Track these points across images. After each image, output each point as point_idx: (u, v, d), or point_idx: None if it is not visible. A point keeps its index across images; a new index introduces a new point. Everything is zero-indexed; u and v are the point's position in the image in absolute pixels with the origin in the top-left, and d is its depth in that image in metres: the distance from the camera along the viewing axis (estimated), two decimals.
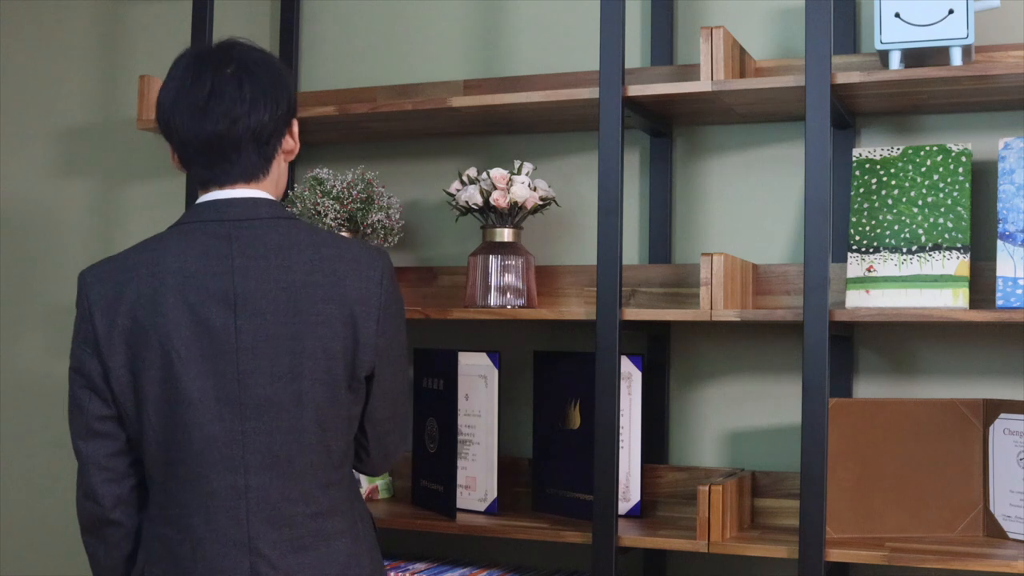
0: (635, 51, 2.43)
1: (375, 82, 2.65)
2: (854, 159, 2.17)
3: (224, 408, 1.58)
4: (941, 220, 2.07)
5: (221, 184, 1.67)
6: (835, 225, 2.23)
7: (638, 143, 2.41)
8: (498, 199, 2.25)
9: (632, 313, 2.10)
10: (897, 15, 2.02)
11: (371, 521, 1.74)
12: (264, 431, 1.59)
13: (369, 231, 2.42)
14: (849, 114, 2.20)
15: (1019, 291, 1.97)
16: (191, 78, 1.65)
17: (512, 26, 2.54)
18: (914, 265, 2.07)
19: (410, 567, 2.27)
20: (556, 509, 2.29)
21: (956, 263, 2.04)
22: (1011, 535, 2.02)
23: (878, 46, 2.03)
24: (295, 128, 1.73)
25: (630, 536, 2.08)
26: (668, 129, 2.36)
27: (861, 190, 2.15)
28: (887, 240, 2.10)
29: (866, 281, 2.10)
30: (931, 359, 2.20)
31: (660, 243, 2.35)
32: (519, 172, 2.29)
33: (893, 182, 2.13)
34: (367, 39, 2.66)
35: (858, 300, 2.09)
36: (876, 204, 2.13)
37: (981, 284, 2.12)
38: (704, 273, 2.04)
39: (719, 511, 2.03)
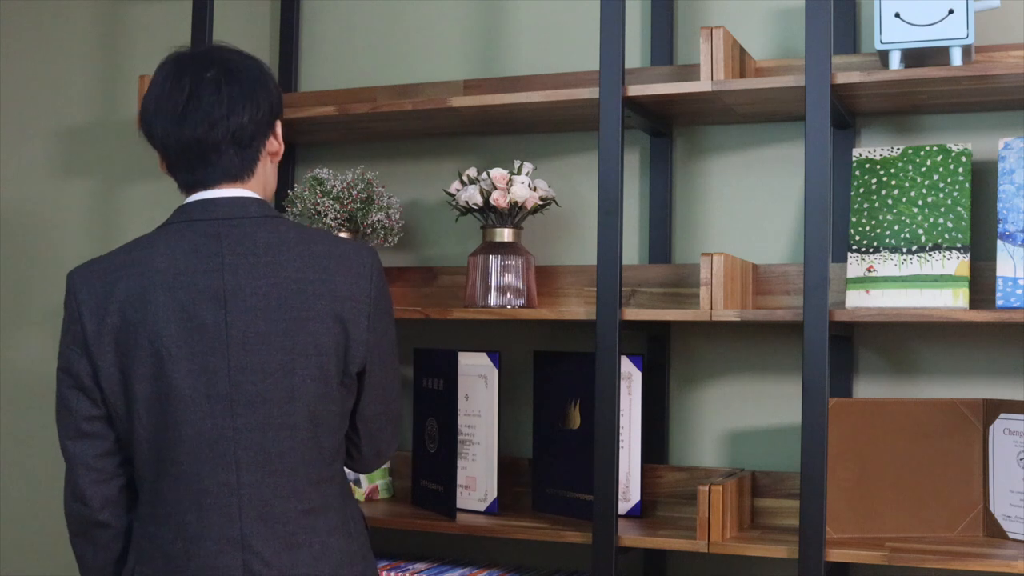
0: (635, 51, 2.43)
1: (375, 82, 2.65)
2: (854, 159, 2.17)
3: (215, 405, 1.58)
4: (941, 220, 2.07)
5: (206, 186, 1.68)
6: (835, 225, 2.23)
7: (638, 143, 2.41)
8: (498, 199, 2.25)
9: (632, 313, 2.10)
10: (897, 15, 2.02)
11: (363, 520, 1.74)
12: (256, 427, 1.59)
13: (369, 231, 2.42)
14: (849, 114, 2.20)
15: (1019, 291, 1.97)
16: (171, 83, 1.66)
17: (512, 26, 2.54)
18: (914, 265, 2.07)
19: (410, 567, 2.27)
20: (556, 509, 2.29)
21: (956, 263, 2.04)
22: (1011, 535, 2.02)
23: (878, 46, 2.03)
24: (279, 129, 1.74)
25: (630, 536, 2.08)
26: (668, 129, 2.36)
27: (861, 190, 2.15)
28: (887, 240, 2.10)
29: (866, 281, 2.10)
30: (931, 359, 2.20)
31: (660, 243, 2.35)
32: (519, 172, 2.29)
33: (893, 182, 2.13)
34: (367, 39, 2.66)
35: (858, 300, 2.09)
36: (876, 204, 2.13)
37: (981, 284, 2.12)
38: (704, 273, 2.04)
39: (719, 511, 2.03)
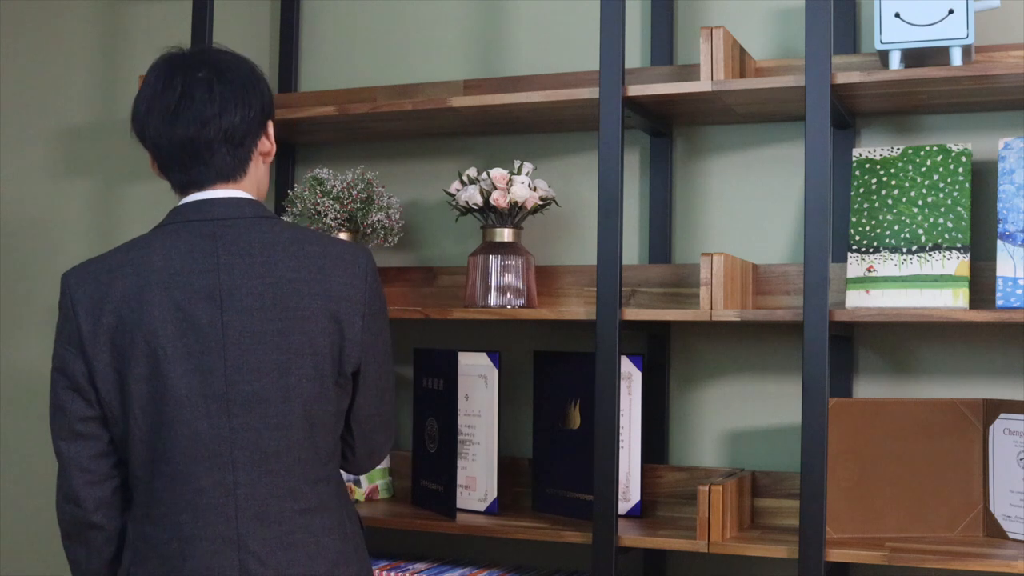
0: (635, 51, 2.43)
1: (375, 82, 2.65)
2: (854, 159, 2.17)
3: (211, 405, 1.58)
4: (941, 220, 2.07)
5: (200, 186, 1.68)
6: (835, 225, 2.23)
7: (638, 143, 2.41)
8: (498, 199, 2.25)
9: (632, 313, 2.10)
10: (897, 15, 2.02)
11: (358, 520, 1.74)
12: (252, 427, 1.59)
13: (369, 231, 2.42)
14: (849, 114, 2.20)
15: (1019, 291, 1.97)
16: (163, 83, 1.67)
17: (512, 26, 2.54)
18: (914, 265, 2.07)
19: (410, 567, 2.27)
20: (556, 509, 2.29)
21: (956, 263, 2.04)
22: (1011, 535, 2.02)
23: (878, 46, 2.03)
24: (270, 129, 1.74)
25: (630, 536, 2.08)
26: (668, 129, 2.36)
27: (861, 190, 2.15)
28: (887, 240, 2.10)
29: (866, 281, 2.10)
30: (931, 359, 2.20)
31: (660, 243, 2.35)
32: (519, 172, 2.29)
33: (893, 182, 2.13)
34: (367, 39, 2.66)
35: (858, 300, 2.09)
36: (876, 204, 2.13)
37: (981, 284, 2.12)
38: (704, 273, 2.04)
39: (719, 511, 2.03)
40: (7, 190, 3.00)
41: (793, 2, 2.33)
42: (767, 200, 2.32)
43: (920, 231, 2.08)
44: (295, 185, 2.67)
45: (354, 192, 2.39)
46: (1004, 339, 2.16)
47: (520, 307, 2.28)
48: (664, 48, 2.37)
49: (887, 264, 2.09)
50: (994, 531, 2.04)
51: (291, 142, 2.64)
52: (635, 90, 2.12)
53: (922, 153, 2.12)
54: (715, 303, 2.04)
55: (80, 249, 2.90)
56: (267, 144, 1.73)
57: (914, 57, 2.11)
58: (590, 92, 2.14)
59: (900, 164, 2.13)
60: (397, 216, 2.44)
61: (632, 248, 2.41)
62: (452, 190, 2.33)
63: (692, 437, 2.35)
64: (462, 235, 2.54)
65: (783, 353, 2.29)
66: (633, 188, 2.41)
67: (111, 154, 2.89)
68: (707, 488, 2.02)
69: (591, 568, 2.09)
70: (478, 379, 2.30)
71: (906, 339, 2.21)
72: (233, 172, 1.68)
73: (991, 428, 2.06)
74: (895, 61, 2.04)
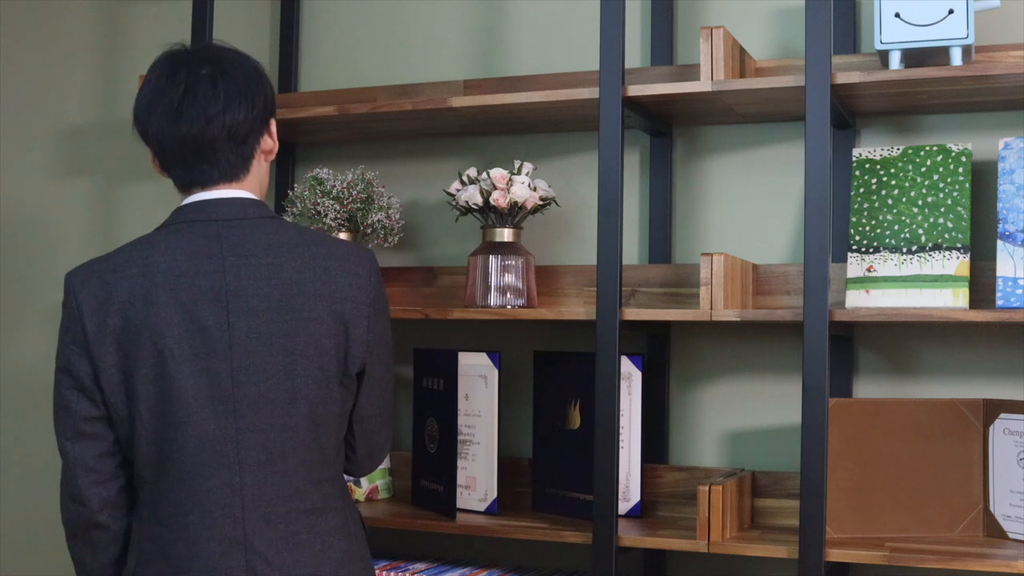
0: (635, 51, 2.43)
1: (375, 82, 2.65)
2: (854, 159, 2.17)
3: (218, 406, 1.58)
4: (941, 220, 2.07)
5: (204, 185, 1.68)
6: (835, 225, 2.23)
7: (638, 143, 2.41)
8: (498, 199, 2.25)
9: (632, 313, 2.10)
10: (897, 15, 2.02)
11: (360, 519, 1.75)
12: (258, 428, 1.59)
13: (369, 231, 2.42)
14: (849, 114, 2.20)
15: (1019, 291, 1.97)
16: (166, 80, 1.66)
17: (512, 26, 2.54)
18: (914, 265, 2.07)
19: (410, 567, 2.27)
20: (556, 509, 2.29)
21: (956, 263, 2.04)
22: (1011, 535, 2.02)
23: (878, 46, 2.03)
24: (273, 127, 1.74)
25: (630, 536, 2.08)
26: (668, 129, 2.36)
27: (861, 190, 2.15)
28: (887, 240, 2.10)
29: (866, 281, 2.10)
30: (931, 359, 2.20)
31: (660, 243, 2.35)
32: (519, 172, 2.29)
33: (893, 182, 2.13)
34: (367, 39, 2.66)
35: (858, 300, 2.09)
36: (876, 204, 2.13)
37: (981, 284, 2.12)
38: (704, 273, 2.04)
39: (719, 511, 2.03)
40: (7, 190, 3.00)
41: (793, 2, 2.33)
42: (767, 200, 2.32)
43: (920, 231, 2.08)
44: (295, 185, 2.67)
45: (354, 192, 2.39)
46: (1004, 339, 2.16)
47: (520, 307, 2.28)
48: (664, 48, 2.37)
49: (887, 264, 2.09)
50: (994, 531, 2.04)
51: (291, 142, 2.64)
52: (635, 90, 2.12)
53: (922, 153, 2.12)
54: (715, 303, 2.04)
55: (80, 249, 2.90)
56: (269, 142, 1.73)
57: (914, 57, 2.11)
58: (590, 92, 2.14)
59: (900, 164, 2.13)
60: (397, 216, 2.44)
61: (632, 248, 2.41)
62: (452, 190, 2.33)
63: (692, 437, 2.35)
64: (462, 235, 2.54)
65: (783, 353, 2.29)
66: (633, 188, 2.41)
67: (111, 154, 2.89)
68: (707, 488, 2.02)
69: (591, 568, 2.09)
70: (478, 379, 2.30)
71: (906, 339, 2.21)
72: (236, 171, 1.68)
73: (991, 428, 2.06)
74: (895, 61, 2.04)
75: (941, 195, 2.08)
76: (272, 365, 1.60)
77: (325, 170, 2.45)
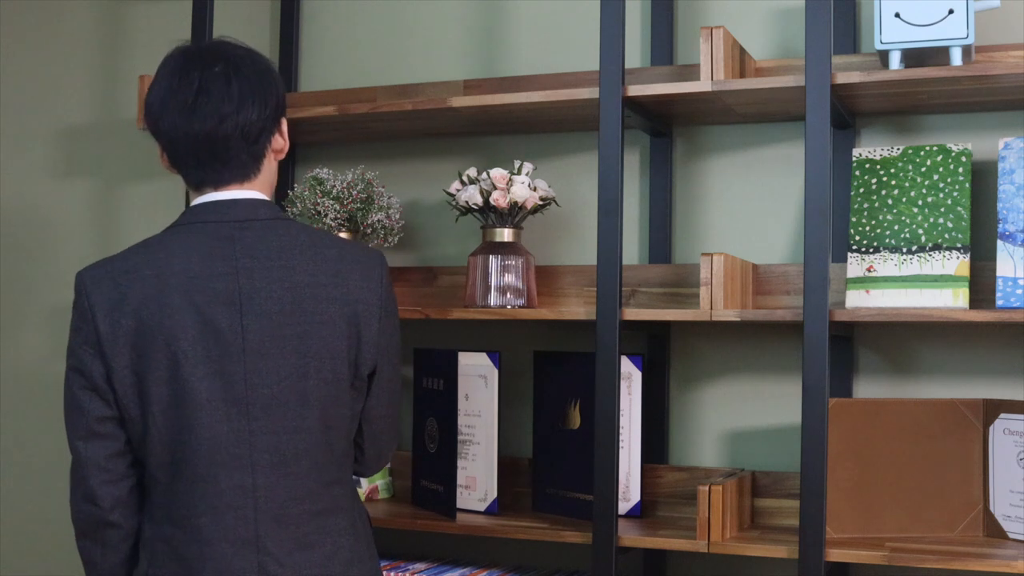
0: (635, 51, 2.43)
1: (375, 82, 2.65)
2: (854, 159, 2.17)
3: (231, 408, 1.59)
4: (941, 220, 2.07)
5: (215, 184, 1.67)
6: (835, 225, 2.23)
7: (638, 143, 2.41)
8: (498, 199, 2.25)
9: (632, 313, 2.10)
10: (897, 15, 2.02)
11: (368, 520, 1.75)
12: (271, 430, 1.60)
13: (369, 231, 2.42)
14: (849, 114, 2.20)
15: (1019, 291, 1.97)
16: (179, 77, 1.65)
17: (512, 26, 2.54)
18: (914, 265, 2.07)
19: (410, 567, 2.27)
20: (556, 509, 2.29)
21: (956, 263, 2.04)
22: (1011, 535, 2.02)
23: (878, 46, 2.03)
24: (284, 127, 1.73)
25: (630, 536, 2.08)
26: (668, 129, 2.36)
27: (861, 190, 2.15)
28: (887, 240, 2.10)
29: (866, 281, 2.10)
30: (931, 359, 2.20)
31: (660, 243, 2.35)
32: (519, 172, 2.29)
33: (893, 182, 2.13)
34: (367, 39, 2.66)
35: (858, 300, 2.09)
36: (876, 204, 2.13)
37: (981, 284, 2.12)
38: (704, 273, 2.04)
39: (719, 511, 2.03)
40: (7, 190, 3.00)
41: (793, 2, 2.33)
42: (767, 200, 2.32)
43: (920, 231, 2.08)
44: (295, 185, 2.67)
45: (354, 192, 2.39)
46: (1004, 339, 2.16)
47: (520, 307, 2.28)
48: (664, 48, 2.37)
49: (887, 264, 2.09)
50: (994, 531, 2.04)
51: (291, 142, 2.64)
52: (635, 90, 2.12)
53: (922, 153, 2.12)
54: (715, 303, 2.04)
55: (80, 249, 2.90)
56: (280, 141, 1.73)
57: (914, 57, 2.11)
58: (590, 92, 2.14)
59: (900, 164, 2.13)
60: (397, 216, 2.44)
61: (632, 248, 2.41)
62: (452, 190, 2.33)
63: (692, 437, 2.35)
64: (462, 235, 2.54)
65: (783, 353, 2.29)
66: (633, 188, 2.41)
67: (111, 154, 2.89)
68: (707, 488, 2.02)
69: (591, 568, 2.09)
70: (478, 379, 2.30)
71: (906, 339, 2.21)
72: (248, 170, 1.68)
73: (991, 428, 2.06)
74: (895, 61, 2.04)
75: (941, 195, 2.08)
76: (285, 368, 1.60)
77: (325, 170, 2.45)
